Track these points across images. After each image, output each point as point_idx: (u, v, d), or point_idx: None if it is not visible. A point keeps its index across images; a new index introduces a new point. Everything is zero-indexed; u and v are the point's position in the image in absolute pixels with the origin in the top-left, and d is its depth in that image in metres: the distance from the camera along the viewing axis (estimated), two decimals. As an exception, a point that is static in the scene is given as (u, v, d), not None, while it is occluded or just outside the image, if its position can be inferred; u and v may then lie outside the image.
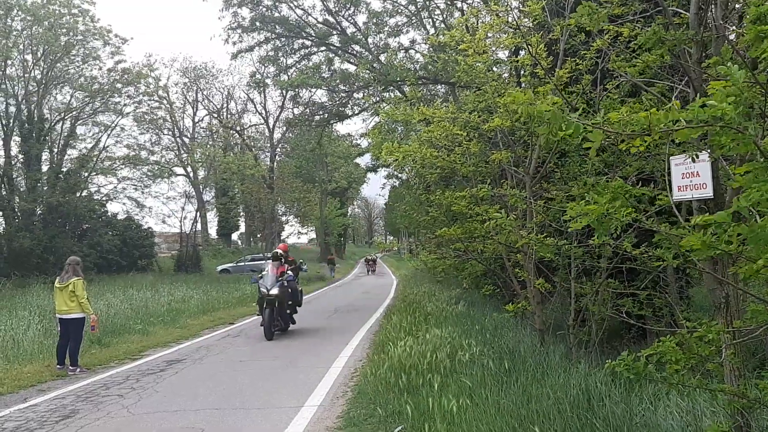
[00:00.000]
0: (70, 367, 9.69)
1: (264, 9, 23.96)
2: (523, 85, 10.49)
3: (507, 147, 9.74)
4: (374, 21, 22.57)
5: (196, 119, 54.32)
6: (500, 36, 9.48)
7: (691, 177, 4.02)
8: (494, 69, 10.75)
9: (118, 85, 35.96)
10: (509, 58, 11.84)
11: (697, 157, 3.52)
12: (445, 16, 23.55)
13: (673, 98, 5.10)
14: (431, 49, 19.69)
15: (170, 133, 47.33)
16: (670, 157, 4.19)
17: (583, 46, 7.85)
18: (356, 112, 25.63)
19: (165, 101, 44.62)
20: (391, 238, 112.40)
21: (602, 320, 7.83)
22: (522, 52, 10.72)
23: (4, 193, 32.48)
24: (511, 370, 6.55)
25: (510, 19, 9.24)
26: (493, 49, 9.87)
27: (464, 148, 10.40)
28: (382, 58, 21.44)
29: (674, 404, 4.92)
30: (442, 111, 10.41)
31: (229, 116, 55.25)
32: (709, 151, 3.58)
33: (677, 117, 2.50)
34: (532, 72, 8.65)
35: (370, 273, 46.56)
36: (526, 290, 9.16)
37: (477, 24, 9.78)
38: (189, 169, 47.05)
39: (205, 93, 53.92)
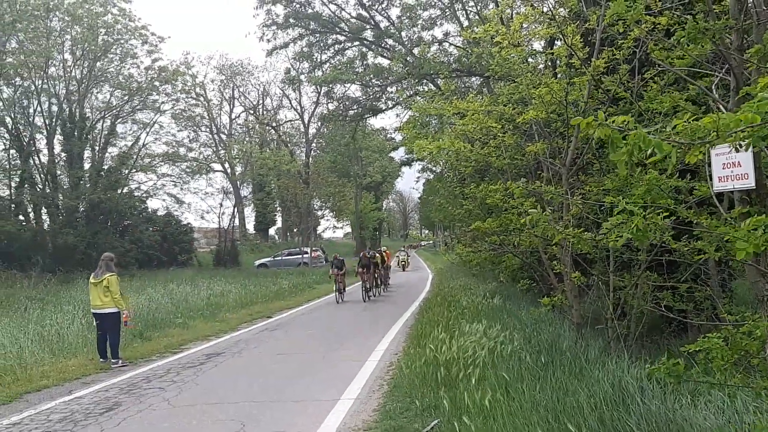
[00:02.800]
0: (112, 360, 9.94)
1: (297, 5, 24.13)
2: (558, 76, 10.34)
3: (543, 139, 9.63)
4: (408, 15, 22.50)
5: (233, 116, 55.07)
6: (535, 27, 9.36)
7: (732, 167, 3.92)
8: (529, 60, 10.63)
9: (156, 83, 36.64)
10: (544, 48, 11.69)
11: (740, 147, 3.44)
12: (479, 7, 23.34)
13: (713, 87, 4.98)
14: (465, 42, 19.56)
15: (208, 129, 48.08)
16: (711, 148, 4.09)
17: (620, 36, 7.70)
18: (390, 106, 25.66)
19: (202, 98, 45.37)
20: (426, 231, 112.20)
21: (641, 314, 7.70)
22: (558, 43, 10.57)
23: (48, 190, 33.44)
24: (548, 364, 6.49)
25: (545, 10, 9.12)
26: (528, 39, 9.77)
27: (499, 140, 10.32)
28: (416, 51, 21.38)
29: (715, 400, 4.81)
30: (476, 104, 10.35)
31: (265, 112, 55.80)
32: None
33: (748, 120, 2.36)
34: (568, 62, 8.53)
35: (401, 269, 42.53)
36: (563, 283, 9.05)
37: (512, 15, 9.67)
38: (226, 165, 47.71)
39: (241, 90, 54.54)
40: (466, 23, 22.33)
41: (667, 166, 6.55)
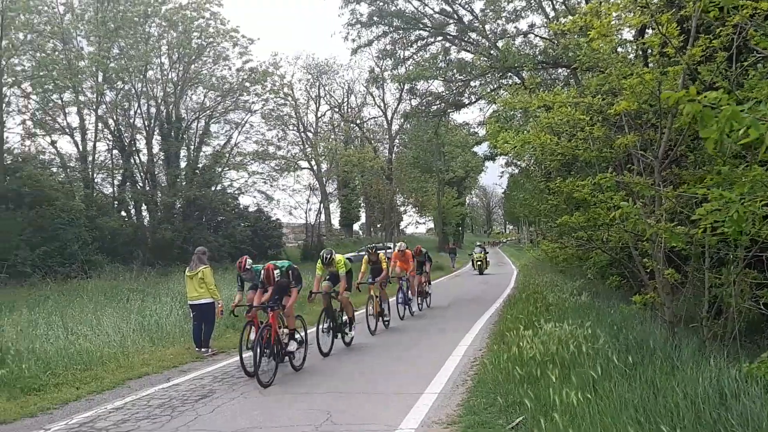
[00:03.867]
0: (202, 349, 10.40)
1: (381, 3, 24.29)
2: (650, 65, 9.95)
3: (633, 130, 9.30)
4: (492, 7, 22.19)
5: (319, 114, 56.20)
6: (626, 15, 9.03)
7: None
8: (619, 50, 10.28)
9: (247, 84, 37.97)
10: (635, 38, 11.27)
11: None
12: (565, -3, 22.72)
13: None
14: (551, 33, 19.11)
15: (295, 128, 49.36)
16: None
17: (717, 22, 7.33)
18: (473, 100, 25.39)
19: (290, 98, 46.55)
20: (511, 227, 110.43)
21: (740, 312, 7.32)
22: (649, 31, 10.17)
23: (147, 188, 35.38)
24: (638, 363, 6.29)
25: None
26: (618, 28, 9.44)
27: (586, 132, 10.04)
28: (500, 44, 21.07)
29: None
30: (563, 96, 10.12)
31: (349, 110, 56.64)
32: None
33: None
34: (661, 51, 8.19)
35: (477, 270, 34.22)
36: (655, 281, 8.73)
37: (600, 4, 9.37)
38: (313, 162, 48.81)
39: (326, 88, 55.60)
40: (552, 14, 21.79)
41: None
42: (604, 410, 5.06)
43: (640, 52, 11.02)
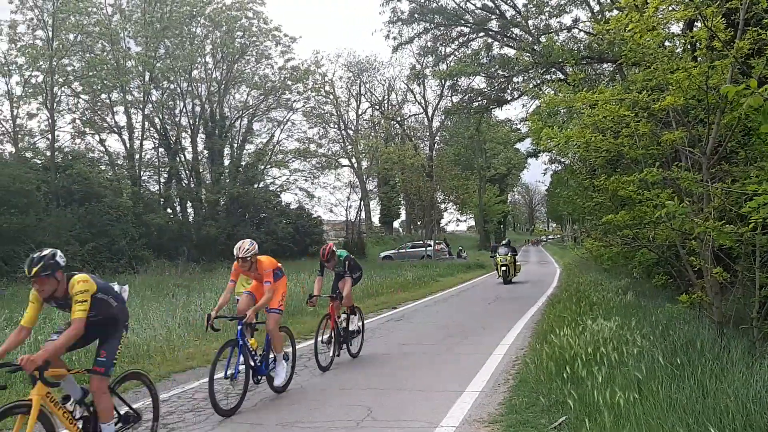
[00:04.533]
0: None
1: (422, 0, 24.24)
2: (698, 59, 9.70)
3: (681, 126, 9.08)
4: (534, 2, 21.93)
5: (359, 111, 56.46)
6: (672, 9, 8.83)
7: None
8: (666, 44, 10.05)
9: (289, 83, 38.40)
10: (683, 31, 10.99)
11: None
12: (610, -10, 22.30)
13: None
14: (596, 27, 18.78)
15: (336, 126, 49.68)
16: None
17: (766, 14, 7.11)
18: (515, 96, 25.15)
19: (331, 96, 46.86)
20: (554, 225, 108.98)
21: (793, 314, 7.09)
22: (697, 25, 9.91)
23: (192, 185, 36.14)
24: (685, 364, 6.15)
25: (683, -10, 8.57)
26: (665, 22, 9.22)
27: (632, 129, 9.85)
28: (543, 39, 20.80)
29: None
30: (607, 93, 9.94)
31: (390, 107, 56.69)
32: None
33: None
34: (709, 45, 7.98)
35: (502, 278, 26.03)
36: (703, 280, 8.51)
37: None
38: (353, 160, 49.07)
39: (367, 86, 55.79)
40: (596, 8, 21.42)
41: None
42: (649, 411, 4.98)
43: (689, 46, 10.75)
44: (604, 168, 13.05)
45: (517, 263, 27.13)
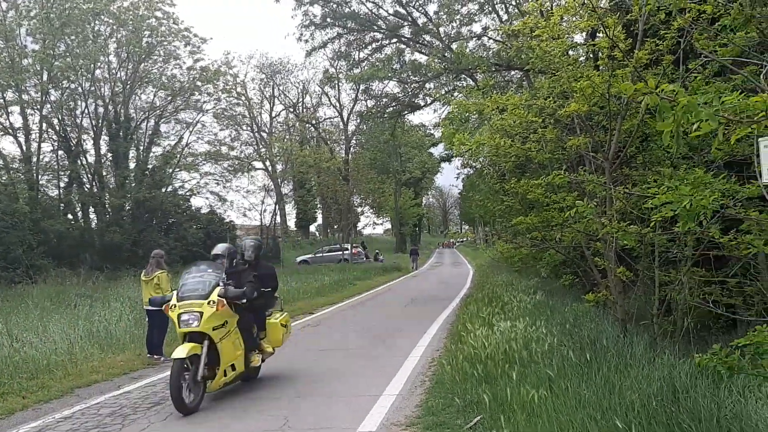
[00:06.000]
0: (155, 356, 10.15)
1: (334, 5, 24.23)
2: (600, 68, 10.18)
3: (585, 132, 9.50)
4: (446, 11, 22.37)
5: (273, 114, 55.68)
6: (576, 19, 9.22)
7: (781, 159, 3.78)
8: (570, 53, 10.48)
9: (198, 83, 37.36)
10: (586, 41, 11.51)
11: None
12: (518, 0, 23.08)
13: (762, 78, 4.85)
14: (504, 35, 19.37)
15: (249, 128, 48.77)
16: (759, 138, 3.97)
17: (663, 26, 7.54)
18: (428, 102, 25.56)
19: (243, 97, 46.02)
20: (467, 227, 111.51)
21: (688, 310, 7.55)
22: (599, 35, 10.40)
23: (95, 190, 34.48)
24: (592, 360, 6.41)
25: (586, 1, 8.97)
26: (569, 31, 9.62)
27: (539, 134, 10.21)
28: (454, 46, 21.25)
29: (766, 396, 4.71)
30: (515, 98, 10.26)
31: (304, 110, 56.30)
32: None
33: None
34: (610, 55, 8.39)
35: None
36: (607, 279, 8.93)
37: (551, 7, 9.55)
38: (267, 163, 48.36)
39: (281, 88, 55.10)
40: (505, 17, 22.11)
41: (714, 158, 6.39)
42: (560, 408, 5.13)
43: (591, 55, 11.26)
44: (513, 172, 13.47)
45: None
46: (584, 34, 11.39)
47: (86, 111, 34.56)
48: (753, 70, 5.55)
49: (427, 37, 23.26)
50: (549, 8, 9.35)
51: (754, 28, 4.46)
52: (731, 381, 4.92)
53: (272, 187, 47.24)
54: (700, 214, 3.26)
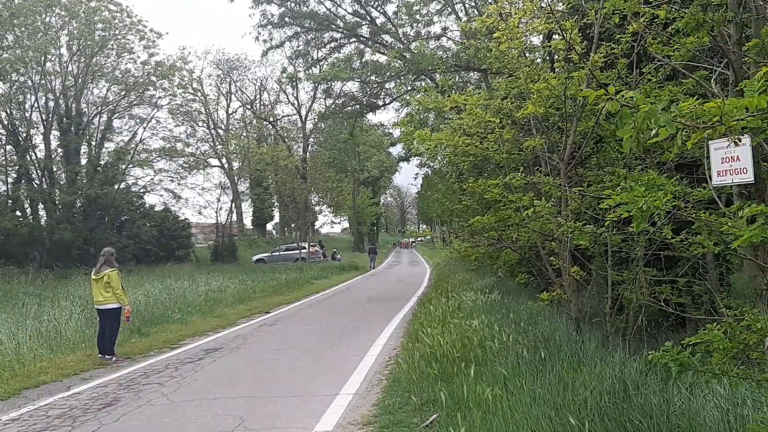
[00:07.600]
0: (106, 356, 9.91)
1: (292, 4, 24.05)
2: (556, 70, 10.33)
3: (541, 133, 9.63)
4: (405, 11, 22.43)
5: (230, 111, 54.95)
6: (533, 21, 9.34)
7: (731, 161, 3.89)
8: (527, 54, 10.61)
9: (153, 78, 36.52)
10: (542, 43, 11.68)
11: (739, 141, 3.42)
12: (477, 2, 23.29)
13: (712, 82, 4.98)
14: (463, 35, 19.52)
15: (205, 125, 48.06)
16: (710, 142, 4.07)
17: (618, 30, 7.69)
18: (388, 102, 25.59)
19: (199, 93, 45.23)
20: (424, 226, 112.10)
21: (640, 308, 7.72)
22: (556, 37, 10.56)
23: (45, 186, 33.36)
24: (547, 358, 6.50)
25: (543, 4, 9.10)
26: (527, 34, 9.74)
27: (497, 135, 10.31)
28: (413, 46, 21.32)
29: (713, 393, 4.84)
30: (474, 98, 10.33)
31: (262, 107, 55.72)
32: (750, 135, 3.48)
33: (753, 105, 2.35)
34: (566, 57, 8.53)
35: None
36: (562, 278, 9.07)
37: (510, 9, 9.66)
38: (224, 160, 47.66)
39: (238, 85, 54.51)
40: (464, 18, 22.27)
41: (666, 160, 6.54)
42: (515, 405, 5.18)
43: (548, 57, 11.43)
44: (471, 172, 13.58)
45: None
46: (541, 36, 11.56)
47: (36, 105, 33.45)
48: (703, 75, 5.71)
49: (387, 37, 23.28)
50: (508, 9, 9.45)
51: (706, 33, 4.58)
52: (680, 378, 5.05)
53: (228, 184, 46.58)
54: (654, 215, 3.32)
